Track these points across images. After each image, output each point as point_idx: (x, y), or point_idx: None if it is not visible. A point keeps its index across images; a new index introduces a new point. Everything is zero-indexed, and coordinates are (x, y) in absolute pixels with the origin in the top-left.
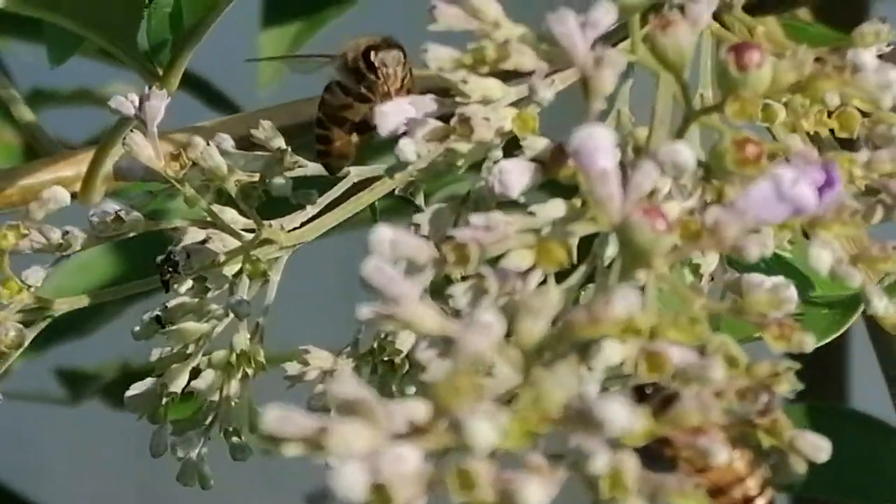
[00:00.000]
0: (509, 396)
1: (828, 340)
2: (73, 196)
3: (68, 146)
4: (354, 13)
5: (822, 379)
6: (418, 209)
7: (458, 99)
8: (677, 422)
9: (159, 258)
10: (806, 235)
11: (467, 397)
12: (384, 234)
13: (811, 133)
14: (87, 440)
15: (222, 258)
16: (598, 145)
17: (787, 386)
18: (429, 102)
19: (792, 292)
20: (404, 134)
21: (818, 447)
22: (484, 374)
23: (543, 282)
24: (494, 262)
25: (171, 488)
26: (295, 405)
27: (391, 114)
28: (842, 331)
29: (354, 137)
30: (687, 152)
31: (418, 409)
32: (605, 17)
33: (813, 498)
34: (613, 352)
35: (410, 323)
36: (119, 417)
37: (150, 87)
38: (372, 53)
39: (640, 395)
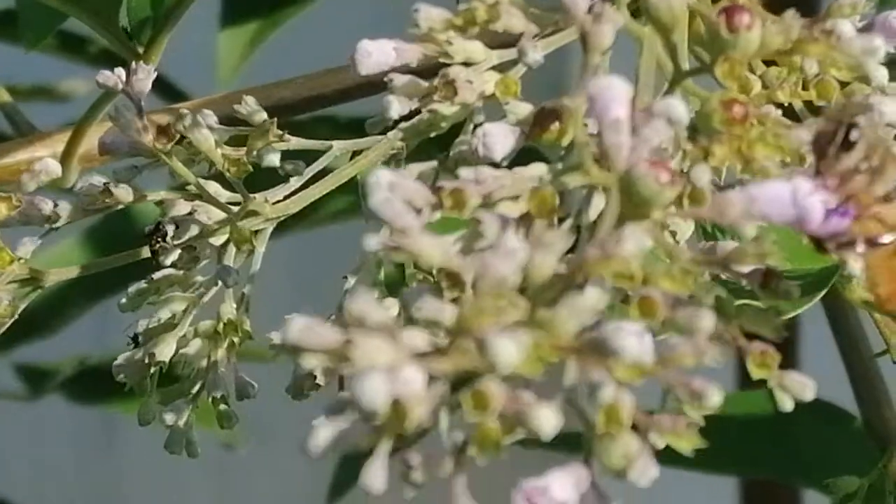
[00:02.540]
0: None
1: (799, 311)
2: None
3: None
4: (312, 12)
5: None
6: None
7: (441, 60)
8: (672, 363)
9: (147, 229)
10: None
11: (491, 318)
12: (384, 175)
13: (785, 104)
14: (45, 436)
15: (212, 228)
16: (615, 95)
17: (774, 333)
18: (413, 50)
19: (775, 248)
20: (389, 90)
21: (804, 385)
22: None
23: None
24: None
25: (124, 485)
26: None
27: (374, 53)
28: (812, 303)
29: None
30: (681, 106)
31: (440, 328)
32: None
33: (767, 480)
34: (599, 297)
35: (418, 254)
36: (77, 412)
37: (136, 63)
38: None
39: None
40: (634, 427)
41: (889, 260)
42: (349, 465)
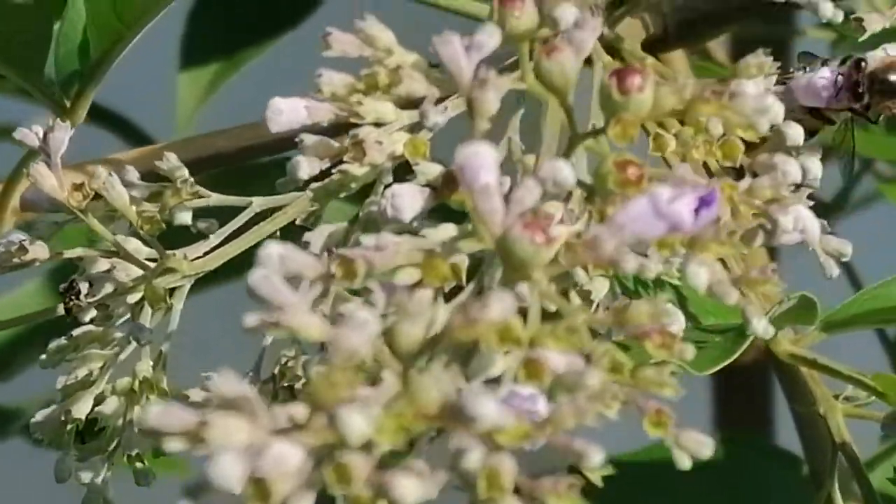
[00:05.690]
0: (389, 398)
1: (720, 366)
2: None
3: None
4: (272, 53)
5: (747, 408)
6: None
7: (352, 120)
8: (555, 425)
9: (62, 286)
10: None
11: (343, 392)
12: (273, 249)
13: (701, 163)
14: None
15: (127, 286)
16: (483, 162)
17: (672, 391)
18: (324, 109)
19: (671, 308)
20: (299, 149)
21: (701, 442)
22: (363, 377)
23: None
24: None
25: None
26: None
27: (285, 111)
28: (732, 358)
29: None
30: (567, 169)
31: (298, 406)
32: (489, 39)
33: None
34: (492, 360)
35: (295, 330)
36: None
37: (54, 120)
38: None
39: None
40: (517, 491)
41: None
42: None
